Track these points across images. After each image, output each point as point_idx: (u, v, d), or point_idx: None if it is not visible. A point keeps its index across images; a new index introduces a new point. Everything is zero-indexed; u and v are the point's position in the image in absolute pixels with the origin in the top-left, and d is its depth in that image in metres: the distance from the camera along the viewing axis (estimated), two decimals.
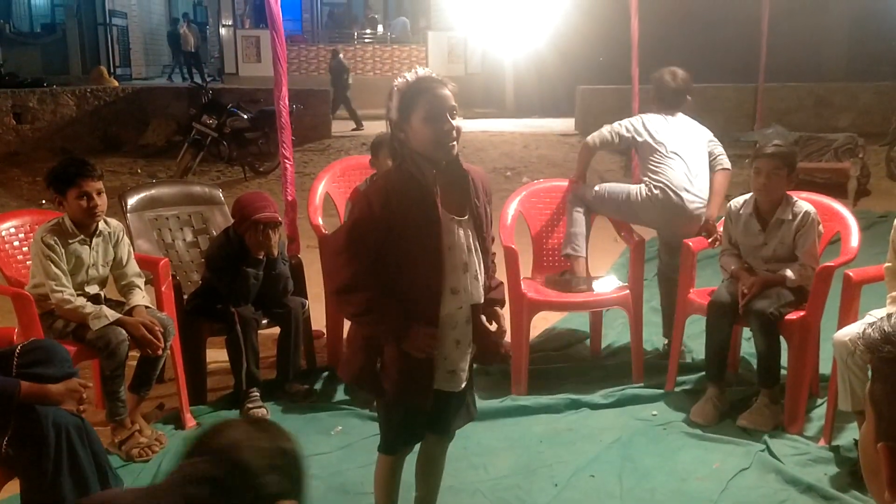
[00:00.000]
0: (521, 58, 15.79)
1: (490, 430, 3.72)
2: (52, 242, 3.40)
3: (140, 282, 3.68)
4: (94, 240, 3.54)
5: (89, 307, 3.41)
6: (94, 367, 3.70)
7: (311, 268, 4.54)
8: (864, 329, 0.97)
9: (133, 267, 3.68)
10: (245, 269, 3.82)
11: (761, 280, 3.75)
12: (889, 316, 0.94)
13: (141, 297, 3.61)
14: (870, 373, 0.96)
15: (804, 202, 3.84)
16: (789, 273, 3.72)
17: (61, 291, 3.38)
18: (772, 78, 12.16)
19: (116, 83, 14.90)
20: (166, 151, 11.30)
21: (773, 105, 12.25)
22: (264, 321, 3.98)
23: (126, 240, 3.71)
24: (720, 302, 3.79)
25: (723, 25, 14.62)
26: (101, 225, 3.56)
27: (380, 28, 20.79)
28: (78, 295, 3.46)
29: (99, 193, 3.47)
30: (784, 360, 3.76)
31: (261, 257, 3.85)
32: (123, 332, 3.39)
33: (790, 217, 3.77)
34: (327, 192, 4.68)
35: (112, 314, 3.42)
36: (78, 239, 3.48)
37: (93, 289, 3.57)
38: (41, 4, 23.19)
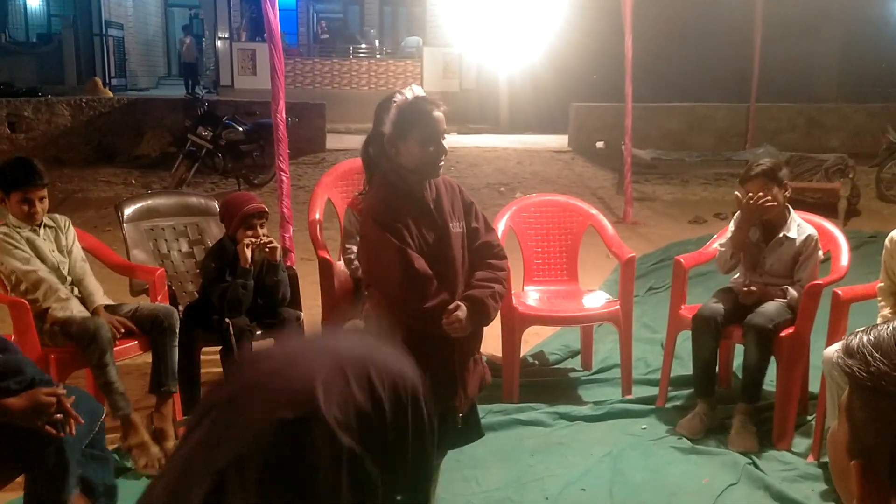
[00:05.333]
0: (515, 74, 15.89)
1: (482, 442, 3.69)
2: (6, 231, 3.48)
3: (87, 271, 3.71)
4: (42, 230, 3.59)
5: (63, 293, 3.45)
6: (88, 378, 3.69)
7: (305, 279, 4.56)
8: (848, 337, 0.97)
9: (78, 253, 3.72)
10: (234, 279, 3.84)
11: (762, 289, 3.80)
12: (870, 330, 0.94)
13: (100, 295, 3.64)
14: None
15: (807, 224, 3.90)
16: (792, 291, 3.77)
17: (35, 270, 3.43)
18: (764, 98, 12.30)
19: (111, 94, 14.93)
20: (161, 163, 11.31)
21: (765, 125, 12.37)
22: (258, 332, 3.99)
23: (73, 231, 3.75)
24: (704, 316, 3.82)
25: (716, 46, 14.76)
26: (45, 220, 3.62)
27: (375, 42, 20.89)
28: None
29: (41, 200, 3.53)
30: (773, 377, 3.80)
31: (248, 266, 3.85)
32: (100, 318, 3.43)
33: (795, 235, 3.83)
34: (328, 197, 4.61)
35: (79, 310, 3.47)
36: (27, 228, 3.54)
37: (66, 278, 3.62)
38: (37, 14, 23.22)
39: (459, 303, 2.48)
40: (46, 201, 3.58)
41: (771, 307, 3.73)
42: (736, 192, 3.91)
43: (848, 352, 0.93)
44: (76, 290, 3.64)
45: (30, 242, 3.52)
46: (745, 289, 3.80)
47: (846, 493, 0.95)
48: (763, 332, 3.64)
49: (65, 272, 3.61)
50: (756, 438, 3.68)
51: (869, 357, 0.90)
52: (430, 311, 2.39)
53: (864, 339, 0.92)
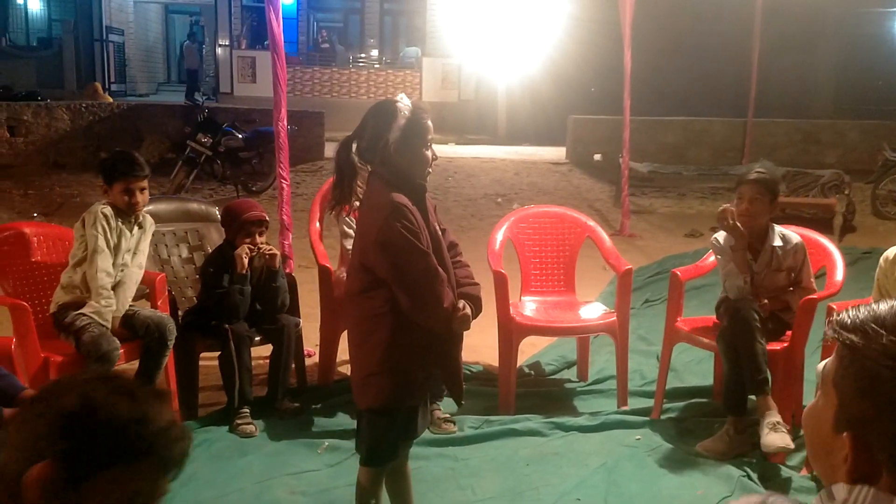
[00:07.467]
0: (514, 85, 15.97)
1: (477, 451, 3.76)
2: (109, 215, 3.60)
3: (133, 282, 3.75)
4: (136, 229, 3.72)
5: (106, 298, 3.53)
6: None
7: (303, 287, 4.58)
8: (838, 314, 0.96)
9: (140, 259, 3.78)
10: (230, 285, 3.86)
11: (769, 306, 3.81)
12: (859, 307, 0.95)
13: (125, 307, 3.67)
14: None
15: (790, 231, 3.92)
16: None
17: (101, 268, 3.52)
18: (761, 113, 12.36)
19: (111, 100, 14.96)
20: (159, 168, 11.28)
21: (762, 140, 12.43)
22: (257, 338, 4.02)
23: (149, 237, 3.87)
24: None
25: (714, 61, 14.85)
26: (143, 217, 3.76)
27: (374, 52, 20.96)
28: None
29: (142, 191, 3.69)
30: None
31: (244, 272, 3.87)
32: (116, 340, 3.46)
33: (782, 243, 3.84)
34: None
35: (106, 320, 3.53)
36: (122, 221, 3.66)
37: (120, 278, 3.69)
38: (38, 18, 23.24)
39: (463, 301, 2.64)
40: (147, 193, 3.74)
41: None
42: (724, 205, 3.84)
43: (845, 326, 0.94)
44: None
45: (118, 236, 3.63)
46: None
47: (826, 467, 0.95)
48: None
49: (116, 276, 3.68)
50: (729, 449, 3.71)
51: (871, 332, 0.91)
52: (446, 311, 2.54)
53: (860, 315, 0.93)
